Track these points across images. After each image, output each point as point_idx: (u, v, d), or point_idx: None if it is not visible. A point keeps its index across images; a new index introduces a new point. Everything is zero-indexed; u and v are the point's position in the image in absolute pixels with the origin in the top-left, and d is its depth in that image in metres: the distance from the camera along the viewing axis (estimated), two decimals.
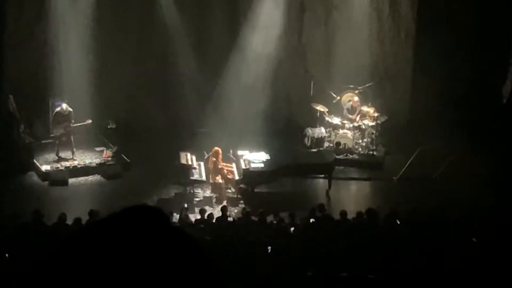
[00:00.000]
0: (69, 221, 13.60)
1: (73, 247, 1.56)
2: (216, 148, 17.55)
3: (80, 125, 18.93)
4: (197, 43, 21.30)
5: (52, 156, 19.14)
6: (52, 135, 19.10)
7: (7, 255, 12.02)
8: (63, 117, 18.72)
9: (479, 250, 12.27)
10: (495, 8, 20.20)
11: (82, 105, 19.38)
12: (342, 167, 19.24)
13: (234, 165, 17.86)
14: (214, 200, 17.31)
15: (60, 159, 18.98)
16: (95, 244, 1.54)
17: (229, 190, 17.66)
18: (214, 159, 17.39)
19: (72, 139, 18.89)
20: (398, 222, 14.18)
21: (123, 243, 1.53)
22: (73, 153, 19.04)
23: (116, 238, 1.54)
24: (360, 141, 20.20)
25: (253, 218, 14.66)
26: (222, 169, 17.50)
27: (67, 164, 18.74)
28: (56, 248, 1.57)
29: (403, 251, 11.78)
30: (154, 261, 1.52)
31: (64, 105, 18.73)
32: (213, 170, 17.41)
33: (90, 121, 19.05)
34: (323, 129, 20.32)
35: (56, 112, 18.78)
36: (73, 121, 18.79)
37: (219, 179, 17.44)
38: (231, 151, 18.02)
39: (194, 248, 1.61)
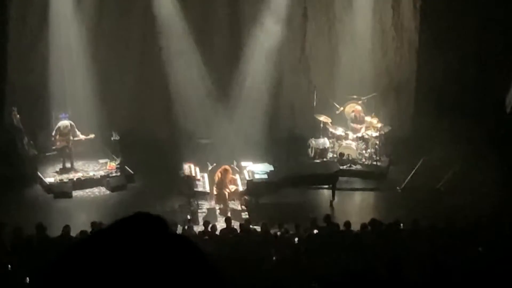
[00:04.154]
0: (73, 233, 13.58)
1: (75, 256, 1.56)
2: (226, 167, 17.47)
3: (83, 139, 18.94)
4: (200, 54, 21.30)
5: (56, 168, 19.16)
6: (54, 148, 19.13)
7: (9, 266, 12.01)
8: (64, 131, 18.75)
9: (485, 260, 12.23)
10: (499, 18, 20.20)
11: (85, 116, 19.45)
12: (346, 177, 19.21)
13: (238, 176, 17.84)
14: (218, 212, 17.29)
15: (63, 171, 19.00)
16: (96, 253, 1.54)
17: (233, 202, 17.64)
18: (221, 175, 17.31)
19: (73, 150, 18.94)
20: (402, 226, 14.22)
21: (124, 252, 1.53)
22: (72, 164, 19.08)
23: (117, 247, 1.55)
24: (364, 151, 20.19)
25: (256, 229, 14.66)
26: (227, 187, 17.41)
27: (71, 176, 18.76)
28: (59, 257, 1.57)
29: (407, 261, 11.74)
30: (155, 269, 1.52)
31: (64, 121, 18.78)
32: (218, 184, 17.35)
33: (93, 135, 19.06)
34: (326, 140, 20.31)
35: (56, 128, 18.83)
36: (77, 133, 18.82)
37: (223, 191, 17.39)
38: (234, 162, 18.03)
39: (195, 255, 1.61)
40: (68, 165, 19.10)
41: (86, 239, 1.61)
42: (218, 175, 17.35)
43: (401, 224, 14.41)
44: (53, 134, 18.98)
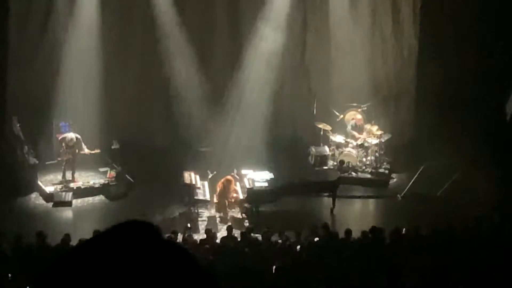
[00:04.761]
0: (73, 242, 13.56)
1: (69, 264, 1.57)
2: (229, 177, 17.46)
3: (88, 154, 18.93)
4: (201, 63, 21.32)
5: (57, 177, 19.14)
6: (59, 159, 19.11)
7: (10, 275, 12.01)
8: (70, 143, 18.70)
9: (485, 267, 12.21)
10: (499, 26, 20.23)
11: (85, 125, 19.43)
12: (346, 185, 19.19)
13: (238, 184, 17.83)
14: (218, 220, 17.28)
15: (64, 180, 18.98)
16: (89, 261, 1.55)
17: (234, 210, 17.63)
18: (223, 186, 17.28)
19: (75, 163, 18.91)
20: (404, 231, 14.21)
21: (116, 259, 1.54)
22: (73, 175, 19.04)
23: (109, 254, 1.55)
24: (364, 159, 20.19)
25: (258, 237, 14.64)
26: (228, 197, 17.39)
27: (71, 185, 18.74)
28: (52, 266, 1.58)
29: (408, 269, 11.72)
30: (147, 275, 1.53)
31: (71, 134, 18.75)
32: (219, 194, 17.33)
33: (98, 150, 19.06)
34: (326, 148, 20.31)
35: (62, 138, 18.80)
36: (83, 147, 18.78)
37: (224, 200, 17.37)
38: (235, 170, 18.01)
39: (188, 262, 1.61)
40: (68, 175, 19.06)
41: (79, 247, 1.62)
42: (220, 185, 17.32)
43: (404, 229, 14.39)
44: (54, 143, 18.94)
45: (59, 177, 19.12)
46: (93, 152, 19.02)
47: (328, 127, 20.32)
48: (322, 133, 20.44)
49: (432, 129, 19.82)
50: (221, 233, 15.61)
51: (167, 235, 14.08)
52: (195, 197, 17.27)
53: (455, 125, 19.49)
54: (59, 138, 18.97)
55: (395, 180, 19.92)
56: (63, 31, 20.29)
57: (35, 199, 18.52)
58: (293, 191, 18.02)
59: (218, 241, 14.58)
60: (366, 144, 20.12)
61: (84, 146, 18.86)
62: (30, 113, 19.77)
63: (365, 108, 20.40)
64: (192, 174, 17.58)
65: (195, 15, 21.32)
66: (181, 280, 1.57)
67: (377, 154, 20.08)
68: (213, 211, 17.54)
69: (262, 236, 14.52)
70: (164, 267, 1.56)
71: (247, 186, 17.49)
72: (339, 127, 20.54)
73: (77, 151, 18.80)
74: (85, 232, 14.06)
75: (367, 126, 20.26)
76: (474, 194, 17.49)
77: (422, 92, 21.37)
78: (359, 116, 20.37)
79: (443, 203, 18.02)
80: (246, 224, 16.82)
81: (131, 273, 1.52)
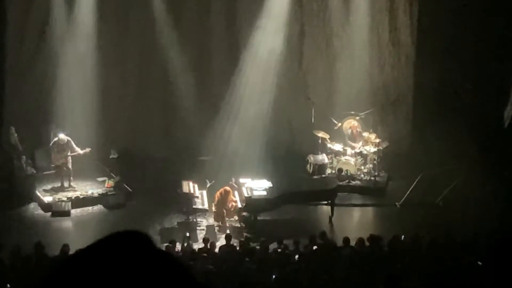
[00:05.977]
0: (72, 252, 13.53)
1: (61, 275, 1.57)
2: (227, 188, 17.45)
3: (79, 154, 18.82)
4: (198, 71, 21.34)
5: (55, 187, 19.10)
6: (52, 165, 19.07)
7: (8, 285, 11.98)
8: (62, 145, 18.66)
9: (484, 275, 12.19)
10: (496, 33, 20.27)
11: (84, 135, 19.41)
12: (344, 193, 19.18)
13: (236, 193, 17.81)
14: (216, 229, 17.26)
15: (61, 189, 18.93)
16: (81, 271, 1.55)
17: (232, 219, 17.61)
18: (221, 196, 17.27)
19: (71, 168, 18.86)
20: (403, 238, 14.19)
21: (108, 268, 1.54)
22: (69, 182, 19.00)
23: (101, 264, 1.55)
24: (363, 167, 20.18)
25: (256, 246, 14.62)
26: (226, 207, 17.39)
27: (69, 194, 18.71)
28: (46, 276, 1.58)
29: (406, 277, 11.70)
30: (139, 285, 1.53)
31: (62, 135, 18.70)
32: (217, 204, 17.32)
33: (89, 149, 18.97)
34: (325, 156, 20.30)
35: (54, 142, 18.75)
36: (75, 147, 18.73)
37: (222, 209, 17.36)
38: (233, 179, 17.99)
39: (180, 271, 1.61)
40: (66, 183, 19.04)
41: (72, 257, 1.62)
42: (218, 195, 17.31)
43: (403, 236, 14.38)
44: (50, 147, 18.85)
45: (57, 186, 19.09)
46: (82, 152, 18.82)
47: (326, 135, 20.32)
48: (320, 141, 20.44)
49: (430, 136, 19.82)
50: (220, 242, 15.59)
51: (165, 244, 14.08)
52: (194, 206, 17.26)
53: (453, 132, 19.50)
54: (51, 144, 18.85)
55: (393, 188, 19.91)
56: (60, 40, 20.29)
57: (33, 209, 18.49)
58: (292, 200, 18.00)
59: (217, 250, 14.56)
60: (364, 152, 20.12)
61: (76, 148, 18.75)
62: (27, 123, 19.77)
63: (363, 116, 20.40)
64: (191, 183, 17.57)
65: (193, 24, 21.33)
66: None
67: (375, 162, 20.08)
68: (211, 220, 17.53)
69: (260, 245, 14.49)
70: (156, 277, 1.56)
71: (245, 195, 17.46)
72: (338, 135, 20.53)
73: (69, 153, 18.70)
74: (84, 241, 14.00)
75: (365, 134, 20.26)
76: (473, 201, 17.48)
77: (420, 99, 21.39)
78: (355, 124, 20.37)
79: (442, 211, 18.02)
80: (245, 233, 16.80)
81: (123, 283, 1.52)
